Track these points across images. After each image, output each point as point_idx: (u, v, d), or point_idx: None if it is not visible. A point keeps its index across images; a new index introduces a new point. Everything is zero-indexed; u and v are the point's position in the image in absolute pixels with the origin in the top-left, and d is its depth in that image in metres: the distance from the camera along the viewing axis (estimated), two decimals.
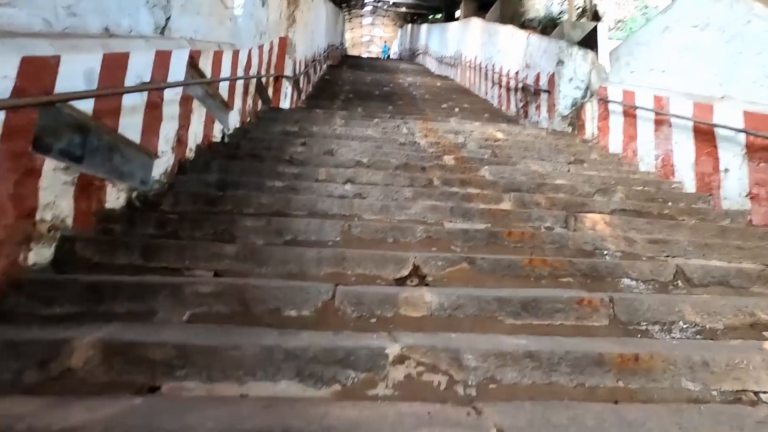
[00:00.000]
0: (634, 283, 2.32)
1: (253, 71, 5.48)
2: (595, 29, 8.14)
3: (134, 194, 2.76)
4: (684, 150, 4.28)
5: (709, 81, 4.07)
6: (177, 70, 3.27)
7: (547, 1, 11.41)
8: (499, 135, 5.73)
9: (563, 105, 6.83)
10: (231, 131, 4.69)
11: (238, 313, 1.78)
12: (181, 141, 3.44)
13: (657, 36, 4.89)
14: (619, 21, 9.50)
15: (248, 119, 5.39)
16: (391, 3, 21.88)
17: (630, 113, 5.17)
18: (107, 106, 2.41)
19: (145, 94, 2.77)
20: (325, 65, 13.06)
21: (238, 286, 1.84)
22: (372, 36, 37.79)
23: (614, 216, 3.31)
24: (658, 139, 4.66)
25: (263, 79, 6.13)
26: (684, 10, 4.54)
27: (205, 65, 3.88)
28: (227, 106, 4.62)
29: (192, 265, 2.11)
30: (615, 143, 5.41)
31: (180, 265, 2.11)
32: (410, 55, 24.50)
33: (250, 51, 5.28)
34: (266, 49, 6.10)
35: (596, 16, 8.62)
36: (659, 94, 4.68)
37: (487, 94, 10.78)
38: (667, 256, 2.70)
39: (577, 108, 6.42)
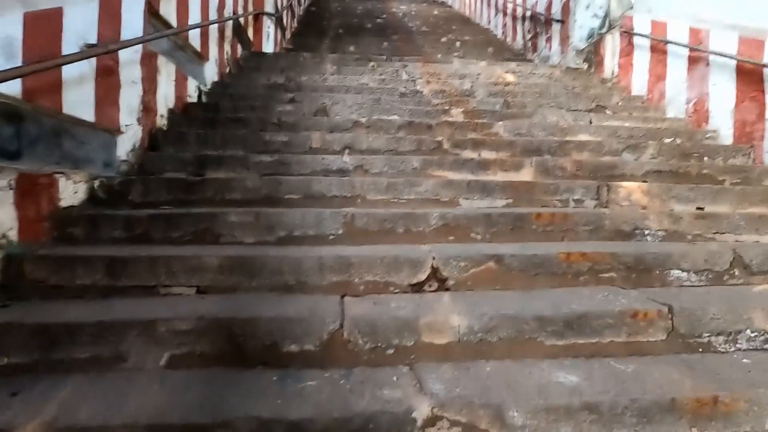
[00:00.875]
0: (685, 274, 2.01)
1: (228, 11, 4.76)
2: None
3: (97, 184, 2.34)
4: (723, 93, 3.79)
5: (760, 10, 3.48)
6: (132, 22, 2.69)
7: None
8: (510, 77, 5.14)
9: (578, 37, 6.12)
10: (209, 87, 4.11)
11: (228, 353, 1.47)
12: (148, 108, 2.93)
13: None
14: None
15: (227, 69, 4.76)
16: None
17: (659, 48, 4.57)
18: (43, 82, 1.91)
19: (94, 59, 2.24)
20: None
21: (225, 321, 1.50)
22: None
23: (649, 181, 2.93)
24: (692, 79, 4.13)
25: (242, 20, 5.38)
26: None
27: (169, 10, 3.25)
28: (201, 57, 4.00)
29: (169, 282, 1.77)
30: (639, 84, 4.86)
31: (155, 282, 1.76)
32: None
33: None
34: None
35: None
36: (697, 26, 4.07)
37: (490, 23, 9.83)
38: (716, 233, 2.37)
39: (595, 41, 5.74)
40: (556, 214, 2.30)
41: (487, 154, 3.19)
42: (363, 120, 3.48)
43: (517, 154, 3.21)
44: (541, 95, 4.56)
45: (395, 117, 3.70)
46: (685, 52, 4.20)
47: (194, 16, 3.74)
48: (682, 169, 3.04)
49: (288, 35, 7.67)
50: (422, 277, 1.87)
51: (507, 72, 5.39)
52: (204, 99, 3.89)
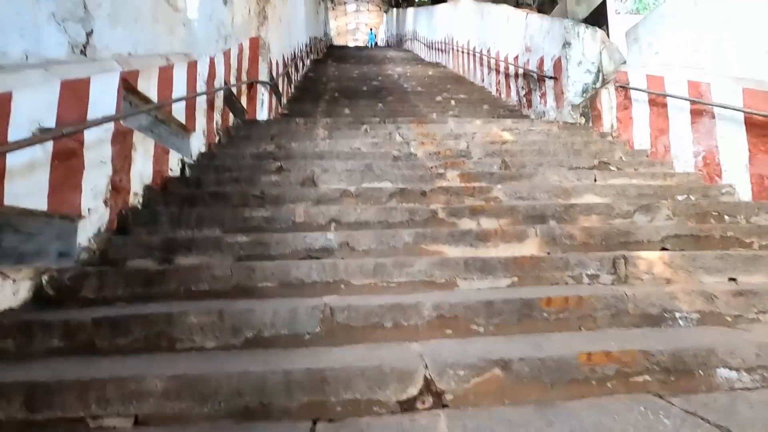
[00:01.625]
0: (734, 374, 1.65)
1: (218, 82, 4.74)
2: (603, 4, 7.34)
3: (45, 279, 2.07)
4: (733, 146, 3.58)
5: (763, 61, 3.35)
6: (102, 101, 2.55)
7: None
8: (506, 135, 5.01)
9: (573, 92, 6.10)
10: (194, 159, 3.97)
11: None
12: (118, 188, 2.73)
13: (687, 9, 4.14)
14: None
15: (217, 139, 4.66)
16: None
17: (658, 102, 4.45)
18: None
19: (49, 142, 2.06)
20: (308, 61, 12.25)
21: None
22: (357, 23, 36.64)
23: (669, 247, 2.63)
24: (698, 132, 3.95)
25: (234, 89, 5.39)
26: None
27: (149, 86, 3.15)
28: (186, 129, 3.90)
29: (102, 411, 1.44)
30: (641, 137, 4.70)
31: (83, 413, 1.43)
32: (398, 42, 23.54)
33: (212, 59, 4.53)
34: (234, 53, 5.34)
35: None
36: (696, 79, 3.95)
37: (483, 81, 10.00)
38: (759, 312, 2.03)
39: (591, 96, 5.68)
40: (570, 298, 1.97)
41: (487, 223, 2.93)
42: (352, 189, 3.26)
43: (519, 221, 2.94)
44: (540, 153, 4.38)
45: (387, 184, 3.49)
46: (687, 105, 4.05)
47: (179, 90, 3.67)
48: (704, 232, 2.75)
49: (284, 101, 7.76)
50: (413, 391, 1.53)
51: (503, 130, 5.27)
52: (187, 172, 3.72)
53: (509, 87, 8.44)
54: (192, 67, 3.98)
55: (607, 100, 5.31)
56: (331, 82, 9.97)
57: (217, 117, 4.71)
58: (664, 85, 4.34)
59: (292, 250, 2.49)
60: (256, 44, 6.20)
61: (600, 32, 6.24)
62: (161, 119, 3.45)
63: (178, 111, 3.70)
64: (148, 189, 3.11)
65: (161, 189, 3.26)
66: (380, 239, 2.57)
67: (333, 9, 28.67)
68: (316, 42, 14.58)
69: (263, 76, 6.30)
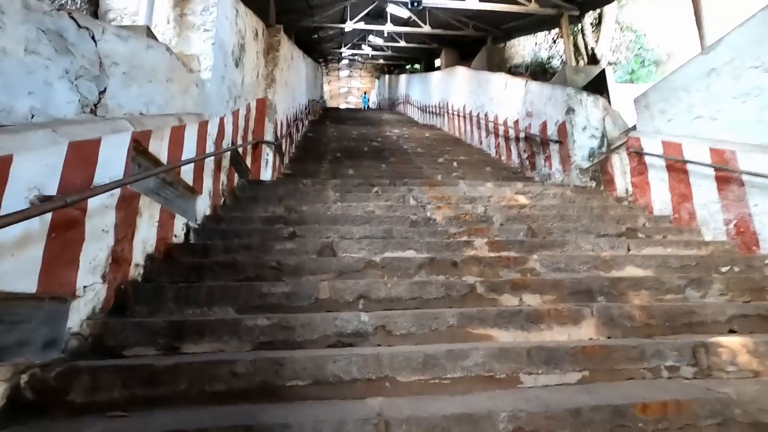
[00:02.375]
0: None
1: (226, 142, 4.57)
2: (602, 74, 7.63)
3: (25, 379, 1.68)
4: None
5: None
6: (111, 163, 2.30)
7: (534, 47, 11.14)
8: (522, 199, 4.86)
9: (580, 156, 6.11)
10: (199, 223, 3.67)
11: None
12: (119, 260, 2.40)
13: (700, 80, 4.20)
14: (611, 64, 9.14)
15: (222, 200, 4.40)
16: (369, 56, 21.88)
17: (677, 168, 4.39)
18: None
19: (48, 213, 1.76)
20: (307, 122, 12.40)
21: None
22: (350, 87, 38.23)
23: (738, 329, 2.37)
24: (726, 200, 3.84)
25: (240, 149, 5.23)
26: (734, 50, 3.87)
27: (160, 147, 2.93)
28: (193, 191, 3.64)
29: None
30: (660, 203, 4.59)
31: None
32: (390, 105, 24.43)
33: (222, 119, 4.39)
34: (242, 114, 5.24)
35: (594, 59, 8.20)
36: (719, 147, 3.91)
37: (482, 143, 10.14)
38: None
39: (601, 160, 5.66)
40: (668, 403, 1.65)
41: (532, 300, 2.64)
42: (376, 259, 2.97)
43: (565, 297, 2.66)
44: (562, 219, 4.20)
45: (412, 253, 3.22)
46: (710, 171, 3.98)
47: (189, 150, 3.45)
48: None
49: (286, 160, 7.65)
50: None
51: (517, 193, 5.14)
52: (192, 238, 3.40)
53: (509, 149, 8.52)
54: (203, 127, 3.80)
55: (619, 164, 5.28)
56: (332, 142, 9.99)
57: (223, 177, 4.49)
58: (683, 151, 4.30)
59: (321, 335, 2.15)
60: (263, 105, 6.15)
61: (602, 99, 6.39)
62: (169, 182, 3.19)
63: (187, 172, 3.46)
64: (150, 259, 2.78)
65: (164, 258, 2.93)
66: (420, 321, 2.25)
67: (327, 74, 29.96)
68: (314, 104, 14.93)
69: (269, 136, 6.20)
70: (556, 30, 10.41)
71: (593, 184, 5.76)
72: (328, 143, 9.84)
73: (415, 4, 8.76)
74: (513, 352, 1.94)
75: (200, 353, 2.02)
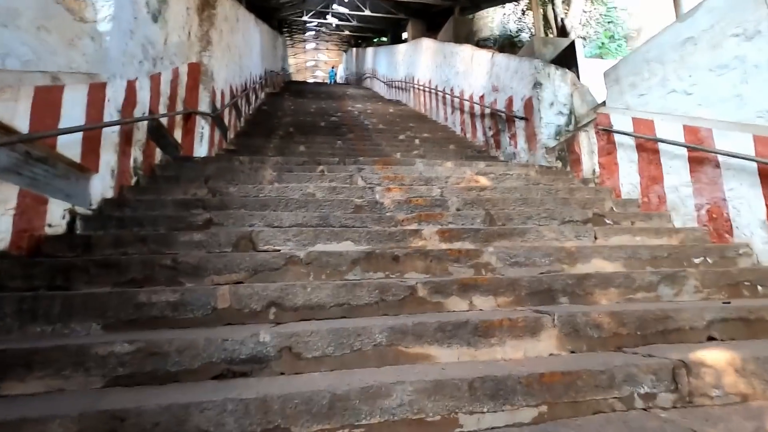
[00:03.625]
0: None
1: (140, 111, 3.86)
2: (571, 47, 7.20)
3: None
4: (745, 199, 3.13)
5: None
6: None
7: (503, 19, 10.61)
8: (483, 180, 4.42)
9: (546, 134, 5.73)
10: (93, 208, 3.02)
11: None
12: None
13: (675, 50, 3.81)
14: (581, 38, 8.75)
15: (135, 181, 3.73)
16: (334, 26, 20.78)
17: (648, 147, 4.04)
18: None
19: None
20: (262, 94, 11.52)
21: None
22: (317, 60, 36.78)
23: (718, 336, 2.02)
24: (699, 183, 3.51)
25: (165, 120, 4.51)
26: (714, 16, 3.48)
27: (13, 111, 2.25)
28: (83, 169, 2.97)
29: None
30: (628, 186, 4.25)
31: None
32: (357, 80, 23.47)
33: (131, 83, 3.67)
34: (165, 79, 4.50)
35: (563, 32, 7.78)
36: (693, 125, 3.55)
37: (447, 120, 9.65)
38: None
39: (568, 139, 5.28)
40: None
41: (484, 303, 2.20)
42: (301, 254, 2.44)
43: (524, 299, 2.24)
44: (525, 202, 3.79)
45: (348, 245, 2.71)
46: (683, 151, 3.64)
47: (72, 118, 2.77)
48: (753, 313, 2.15)
49: (231, 135, 6.91)
50: None
51: (478, 174, 4.69)
52: (79, 228, 2.76)
53: (475, 127, 8.07)
54: (97, 90, 3.10)
55: (587, 143, 4.91)
56: (287, 116, 9.25)
57: (135, 153, 3.79)
58: (655, 129, 3.94)
59: (205, 363, 1.62)
60: (196, 70, 5.39)
61: (570, 74, 5.99)
62: (38, 157, 2.52)
63: (70, 145, 2.78)
64: (3, 257, 2.15)
65: (28, 255, 2.30)
66: (339, 339, 1.75)
67: (292, 46, 28.51)
68: (272, 75, 13.94)
69: (204, 106, 5.47)
70: (525, 2, 9.92)
71: (559, 164, 5.39)
72: (283, 117, 9.10)
73: None
74: (450, 386, 1.48)
75: (25, 396, 1.45)
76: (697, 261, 2.90)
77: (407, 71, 13.42)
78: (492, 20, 11.00)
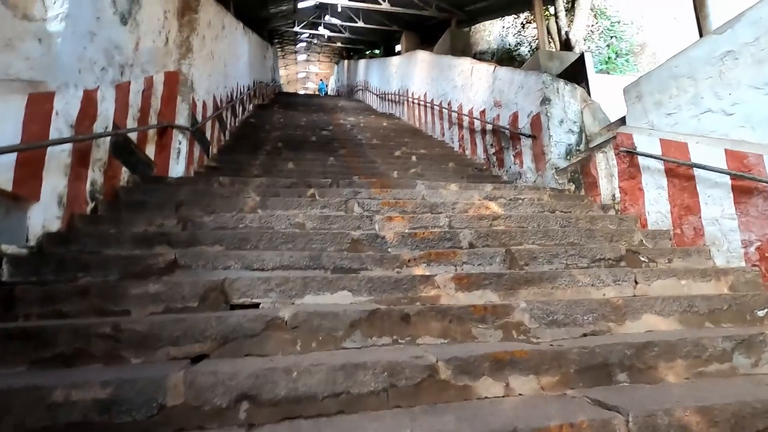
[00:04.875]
0: None
1: (103, 124, 3.31)
2: (580, 61, 6.83)
3: None
4: None
5: None
6: None
7: (502, 32, 10.29)
8: (493, 207, 3.94)
9: (556, 154, 5.30)
10: (30, 246, 2.45)
11: None
12: None
13: (711, 66, 3.40)
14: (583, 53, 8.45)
15: (91, 207, 3.16)
16: (326, 38, 20.43)
17: (680, 173, 3.60)
18: None
19: None
20: (250, 105, 11.00)
21: None
22: (308, 72, 36.47)
23: None
24: (747, 216, 3.06)
25: (134, 135, 3.96)
26: (759, 28, 3.08)
27: None
28: (17, 198, 2.40)
29: None
30: (656, 214, 3.80)
31: None
32: (349, 92, 23.12)
33: (89, 93, 3.13)
34: (136, 89, 3.96)
35: (567, 46, 7.45)
36: (738, 149, 3.12)
37: (444, 135, 9.23)
38: None
39: (582, 160, 4.85)
40: None
41: (523, 386, 1.68)
42: (286, 313, 1.90)
43: (574, 379, 1.73)
44: (546, 235, 3.30)
45: (345, 296, 2.19)
46: (725, 179, 3.21)
47: (9, 136, 2.22)
48: None
49: (214, 150, 6.36)
50: None
51: (487, 199, 4.22)
52: (4, 274, 2.19)
53: (475, 143, 7.64)
54: (41, 101, 2.56)
55: (605, 165, 4.47)
56: (276, 130, 8.73)
57: (93, 175, 3.23)
58: (689, 152, 3.51)
59: None
60: (173, 80, 4.86)
61: (580, 89, 5.60)
62: None
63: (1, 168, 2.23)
64: None
65: None
66: None
67: (283, 57, 28.15)
68: (261, 87, 13.45)
69: (182, 119, 4.93)
70: (525, 15, 9.63)
71: (572, 187, 4.95)
72: (271, 131, 8.58)
73: None
74: None
75: None
76: (761, 314, 2.43)
77: (401, 84, 13.05)
78: (489, 33, 10.69)
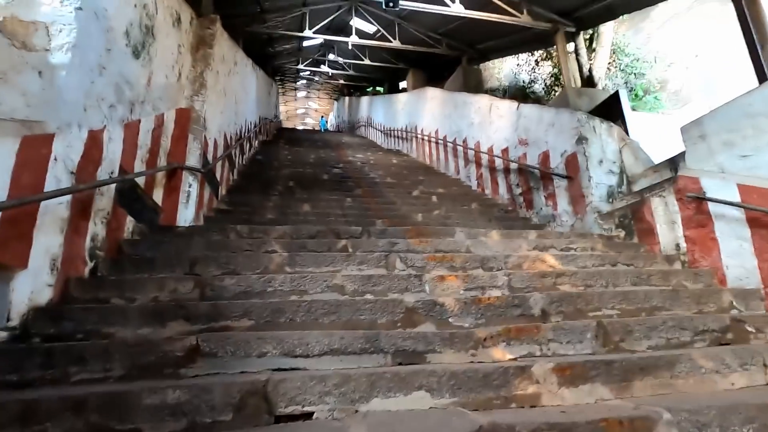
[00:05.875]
0: None
1: (108, 169, 2.85)
2: (614, 97, 6.55)
3: None
4: None
5: None
6: None
7: (515, 69, 10.17)
8: (549, 259, 3.46)
9: (597, 196, 4.89)
10: (11, 327, 1.92)
11: None
12: None
13: None
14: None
15: (88, 269, 2.64)
16: (329, 75, 20.54)
17: (766, 223, 3.17)
18: None
19: None
20: (256, 142, 10.67)
21: None
22: (307, 108, 36.79)
23: None
24: None
25: (141, 179, 3.50)
26: None
27: None
28: None
29: None
30: (738, 269, 3.33)
31: None
32: (350, 128, 23.09)
33: (96, 134, 2.69)
34: (146, 127, 3.54)
35: (590, 83, 7.24)
36: None
37: (459, 173, 8.87)
38: None
39: (634, 204, 4.42)
40: None
41: None
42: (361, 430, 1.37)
43: None
44: (625, 298, 2.81)
45: (423, 398, 1.66)
46: None
47: None
48: None
49: (223, 192, 5.90)
50: None
51: (537, 249, 3.75)
52: None
53: (496, 182, 7.26)
54: (35, 145, 2.10)
55: (664, 211, 4.04)
56: (284, 168, 8.33)
57: (95, 228, 2.74)
58: None
59: None
60: (185, 117, 4.46)
61: (616, 128, 5.27)
62: None
63: None
64: None
65: None
66: None
67: (283, 94, 28.37)
68: (266, 123, 13.22)
69: (193, 159, 4.49)
70: (539, 52, 9.53)
71: (621, 233, 4.49)
72: (280, 168, 8.18)
73: (391, 4, 7.45)
74: None
75: None
76: None
77: (409, 120, 12.86)
78: (499, 71, 10.60)
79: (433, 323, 2.36)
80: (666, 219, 4.01)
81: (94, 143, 2.66)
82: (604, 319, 2.52)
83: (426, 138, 10.99)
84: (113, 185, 2.98)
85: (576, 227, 5.09)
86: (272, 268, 2.90)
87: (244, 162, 8.07)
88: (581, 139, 5.12)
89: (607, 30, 7.56)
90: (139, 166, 3.43)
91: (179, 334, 2.04)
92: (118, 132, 3.03)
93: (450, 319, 2.45)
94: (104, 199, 2.88)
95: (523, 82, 9.99)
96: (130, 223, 3.32)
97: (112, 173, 2.94)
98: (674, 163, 4.27)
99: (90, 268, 2.65)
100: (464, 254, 3.44)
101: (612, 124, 5.30)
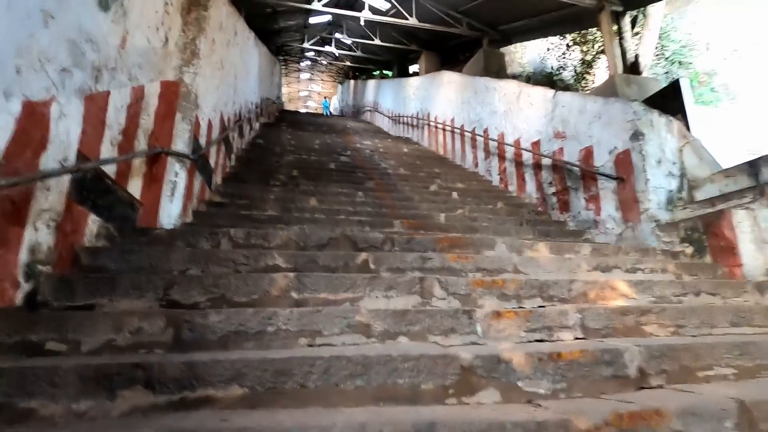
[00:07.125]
0: None
1: (59, 154, 2.12)
2: (674, 87, 5.73)
3: None
4: None
5: None
6: None
7: (542, 53, 9.33)
8: (621, 287, 2.75)
9: (655, 202, 4.19)
10: None
11: None
12: None
13: None
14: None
15: (21, 295, 1.92)
16: (335, 56, 19.55)
17: None
18: None
19: None
20: (257, 124, 9.86)
21: None
22: (310, 91, 35.72)
23: None
24: None
25: (111, 168, 2.75)
26: None
27: None
28: None
29: None
30: None
31: None
32: (354, 112, 22.17)
33: (37, 107, 1.94)
34: (118, 102, 2.78)
35: (635, 70, 6.44)
36: None
37: (477, 166, 8.11)
38: None
39: (708, 216, 3.70)
40: None
41: None
42: None
43: None
44: (741, 351, 2.11)
45: None
46: None
47: None
48: None
49: (218, 179, 5.16)
50: None
51: (598, 270, 3.05)
52: None
53: (522, 179, 6.52)
54: None
55: (751, 227, 3.32)
56: (287, 154, 7.57)
57: (36, 236, 2.01)
58: None
59: None
60: (173, 92, 3.69)
61: (676, 123, 4.53)
62: None
63: None
64: None
65: None
66: None
67: (286, 75, 27.34)
68: (268, 104, 12.38)
69: (181, 143, 3.74)
70: (570, 36, 8.69)
71: (688, 249, 3.79)
72: (282, 155, 7.41)
73: None
74: None
75: None
76: None
77: (420, 106, 12.04)
78: (522, 56, 9.76)
79: (504, 395, 1.66)
80: (754, 237, 3.30)
81: (32, 119, 1.92)
82: (717, 381, 1.84)
83: (439, 126, 10.20)
84: (66, 176, 2.25)
85: (625, 236, 4.40)
86: (274, 292, 2.19)
87: (243, 146, 7.30)
88: (637, 135, 4.39)
89: (656, 11, 6.74)
90: (108, 150, 2.68)
91: (134, 411, 1.34)
92: (75, 106, 2.28)
93: (519, 383, 1.75)
94: (51, 196, 2.15)
95: (552, 68, 9.18)
96: (93, 224, 2.59)
97: (64, 160, 2.20)
98: (755, 168, 3.56)
99: (26, 294, 1.93)
100: (514, 276, 2.74)
101: (671, 118, 4.56)
